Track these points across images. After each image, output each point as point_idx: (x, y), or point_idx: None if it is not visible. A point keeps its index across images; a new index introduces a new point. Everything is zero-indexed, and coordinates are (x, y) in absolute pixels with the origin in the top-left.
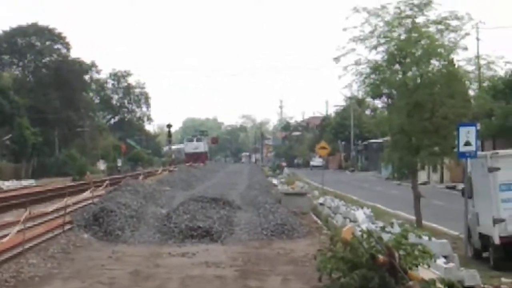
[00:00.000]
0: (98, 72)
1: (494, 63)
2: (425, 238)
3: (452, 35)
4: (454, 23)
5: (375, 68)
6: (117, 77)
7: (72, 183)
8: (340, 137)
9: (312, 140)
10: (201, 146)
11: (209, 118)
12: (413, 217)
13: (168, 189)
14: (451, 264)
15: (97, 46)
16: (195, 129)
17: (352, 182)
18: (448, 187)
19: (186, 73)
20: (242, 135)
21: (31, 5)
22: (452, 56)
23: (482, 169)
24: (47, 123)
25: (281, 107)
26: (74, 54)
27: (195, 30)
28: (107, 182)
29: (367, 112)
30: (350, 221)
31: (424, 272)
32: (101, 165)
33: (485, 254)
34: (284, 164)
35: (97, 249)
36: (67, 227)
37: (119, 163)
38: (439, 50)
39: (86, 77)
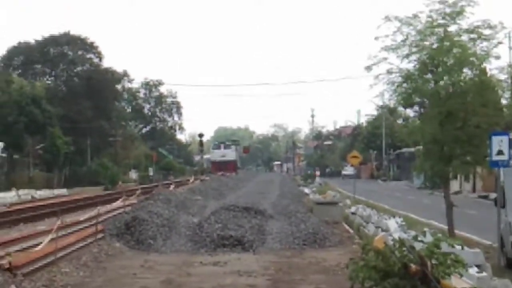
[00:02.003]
0: (130, 81)
1: None
2: (458, 247)
3: (485, 43)
4: (486, 32)
5: (407, 77)
6: (149, 86)
7: (104, 192)
8: (372, 146)
9: (343, 149)
10: (230, 154)
11: (240, 127)
12: (446, 227)
13: (200, 198)
14: (484, 274)
15: (129, 55)
16: (227, 138)
17: (384, 191)
18: (480, 197)
19: (218, 82)
20: (274, 144)
21: (64, 14)
22: (484, 65)
23: None
24: (79, 133)
25: (312, 116)
26: (106, 63)
27: (227, 39)
28: (139, 191)
29: (399, 121)
30: (382, 230)
31: (456, 282)
32: (133, 174)
33: None
34: (317, 173)
35: (129, 258)
36: (99, 236)
37: (151, 172)
38: (471, 59)
39: (118, 86)
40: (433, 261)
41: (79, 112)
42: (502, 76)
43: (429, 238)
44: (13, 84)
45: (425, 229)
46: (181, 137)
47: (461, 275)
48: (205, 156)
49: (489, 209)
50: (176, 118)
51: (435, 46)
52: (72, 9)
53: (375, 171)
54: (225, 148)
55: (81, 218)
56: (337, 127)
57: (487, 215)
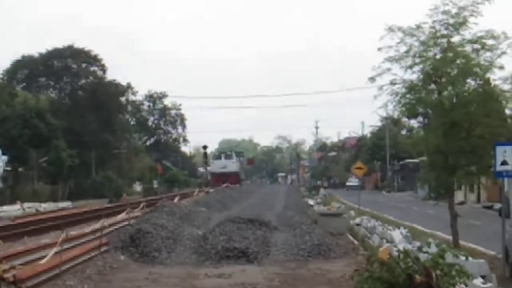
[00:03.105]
0: (134, 94)
1: None
2: (462, 258)
3: (488, 54)
4: (490, 42)
5: (411, 87)
6: (153, 98)
7: (109, 205)
8: (376, 157)
9: (348, 161)
10: (231, 165)
11: (245, 139)
12: (450, 237)
13: (204, 210)
14: (489, 284)
15: (133, 68)
16: (231, 150)
17: (389, 202)
18: (485, 207)
19: (222, 94)
20: (278, 156)
21: (67, 27)
22: (488, 75)
23: None
24: (83, 145)
25: (316, 127)
26: (110, 76)
27: (231, 51)
28: (143, 203)
29: (403, 132)
30: (387, 241)
31: None
32: (137, 187)
33: None
34: (325, 184)
35: (134, 271)
36: (104, 248)
37: (155, 184)
38: (475, 69)
39: (122, 99)
40: (438, 272)
41: (83, 124)
42: (506, 87)
43: (433, 249)
44: (17, 97)
45: (430, 240)
46: (185, 149)
47: (466, 286)
48: (209, 168)
49: (493, 219)
50: (180, 130)
51: (438, 56)
52: (75, 22)
53: (379, 182)
54: (226, 158)
55: (86, 231)
56: (341, 138)
57: (492, 225)
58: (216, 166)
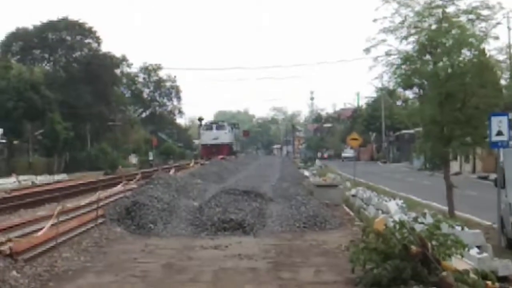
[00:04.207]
0: (129, 66)
1: None
2: (458, 228)
3: (483, 24)
4: (485, 12)
5: (406, 58)
6: (148, 70)
7: (104, 177)
8: (372, 128)
9: (343, 132)
10: (223, 136)
11: (240, 110)
12: (446, 208)
13: (200, 182)
14: (484, 254)
15: (128, 39)
16: (223, 121)
17: (384, 173)
18: (480, 177)
19: (217, 65)
20: (274, 128)
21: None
22: (483, 45)
23: None
24: (78, 118)
25: (312, 99)
26: (104, 48)
27: (226, 22)
28: (139, 175)
29: (398, 103)
30: (383, 212)
31: (457, 263)
32: (133, 159)
33: None
34: (326, 155)
35: (130, 243)
36: (100, 220)
37: (151, 156)
38: (470, 40)
39: (117, 71)
40: (434, 243)
41: (78, 97)
42: (501, 57)
43: (429, 220)
44: (12, 70)
45: (425, 210)
46: (181, 121)
47: (462, 256)
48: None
49: (489, 189)
50: (175, 102)
51: (433, 27)
52: None
53: (375, 153)
54: (217, 129)
55: (82, 203)
56: (337, 109)
57: (487, 195)
58: (207, 137)
